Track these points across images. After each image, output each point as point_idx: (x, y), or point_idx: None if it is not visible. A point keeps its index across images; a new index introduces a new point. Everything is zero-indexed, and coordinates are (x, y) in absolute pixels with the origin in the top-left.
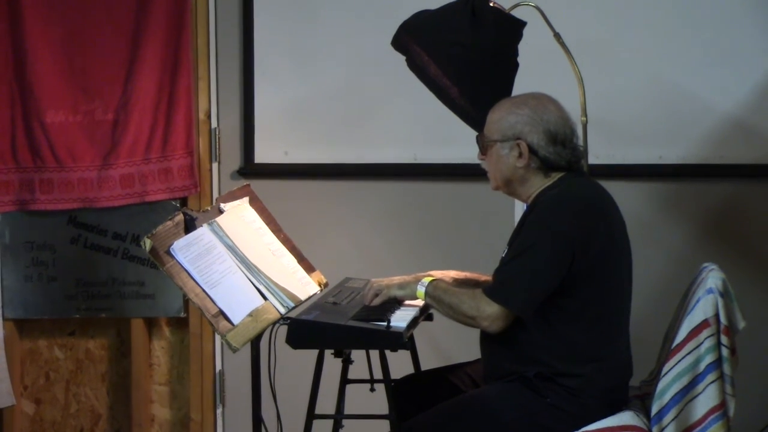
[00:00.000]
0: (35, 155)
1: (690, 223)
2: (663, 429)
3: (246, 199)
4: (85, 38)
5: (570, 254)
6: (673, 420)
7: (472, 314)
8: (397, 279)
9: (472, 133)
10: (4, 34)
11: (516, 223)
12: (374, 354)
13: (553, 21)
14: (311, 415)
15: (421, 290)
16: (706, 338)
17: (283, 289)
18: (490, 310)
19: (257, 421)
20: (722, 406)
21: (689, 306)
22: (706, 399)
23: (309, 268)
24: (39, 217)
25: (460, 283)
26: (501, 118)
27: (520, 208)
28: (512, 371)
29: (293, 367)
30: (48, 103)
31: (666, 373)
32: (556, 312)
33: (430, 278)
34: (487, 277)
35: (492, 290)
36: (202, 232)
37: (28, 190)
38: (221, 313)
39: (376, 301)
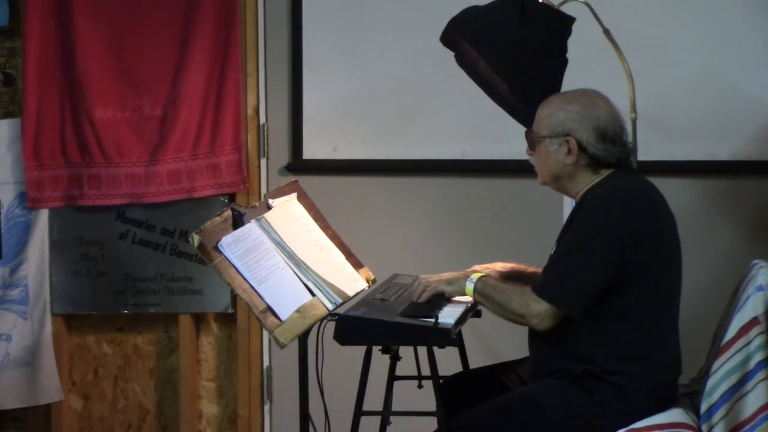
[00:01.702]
0: (84, 151)
1: (741, 220)
2: (712, 427)
3: (294, 195)
4: (134, 34)
5: (619, 252)
6: (722, 418)
7: (521, 312)
8: (445, 275)
9: (521, 129)
10: (54, 31)
11: (565, 220)
12: (422, 350)
13: (602, 17)
14: (359, 412)
15: (469, 287)
16: (755, 336)
17: (331, 285)
18: (539, 308)
19: (305, 417)
20: None
21: (739, 303)
22: (755, 397)
23: (357, 265)
24: (87, 213)
25: (506, 276)
26: (550, 114)
27: (568, 204)
28: (560, 369)
29: (341, 363)
30: (96, 100)
31: (715, 371)
32: (605, 310)
33: (479, 274)
34: (534, 268)
35: (541, 288)
36: (251, 227)
37: (77, 186)
38: (269, 309)
39: (424, 297)
